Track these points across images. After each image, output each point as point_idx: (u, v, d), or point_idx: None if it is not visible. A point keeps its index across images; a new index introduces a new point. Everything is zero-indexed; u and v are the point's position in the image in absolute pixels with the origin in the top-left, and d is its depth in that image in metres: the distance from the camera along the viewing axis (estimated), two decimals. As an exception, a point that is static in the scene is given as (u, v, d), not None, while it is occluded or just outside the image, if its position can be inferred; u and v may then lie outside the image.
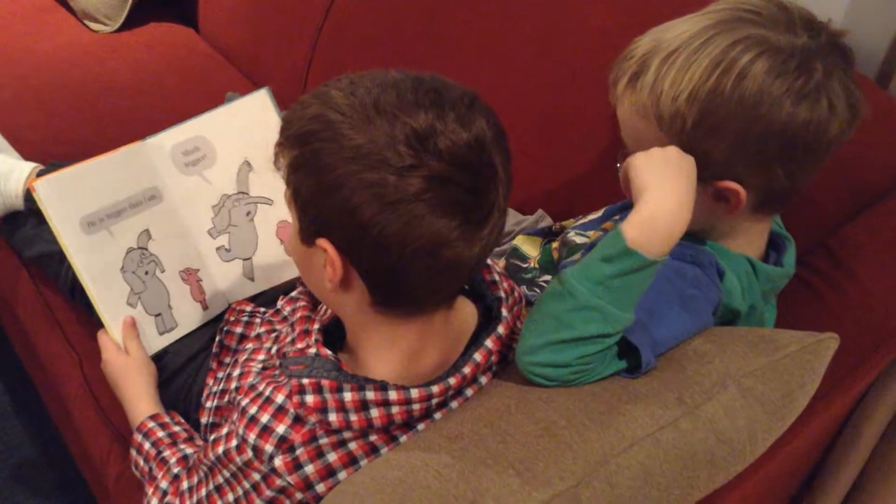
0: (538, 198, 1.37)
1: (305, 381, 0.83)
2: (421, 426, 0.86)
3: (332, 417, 0.82)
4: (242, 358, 1.02)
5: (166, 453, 1.03)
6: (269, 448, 0.82)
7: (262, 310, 1.18)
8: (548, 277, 1.14)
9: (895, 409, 1.20)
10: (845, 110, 0.86)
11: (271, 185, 1.22)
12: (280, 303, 1.11)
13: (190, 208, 1.23)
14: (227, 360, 1.11)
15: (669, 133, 0.88)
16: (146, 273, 1.18)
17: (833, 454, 1.25)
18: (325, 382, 0.82)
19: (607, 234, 0.84)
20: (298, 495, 0.83)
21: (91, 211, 1.15)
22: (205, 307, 1.21)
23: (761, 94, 0.83)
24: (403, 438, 0.85)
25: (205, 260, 1.23)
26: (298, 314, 0.95)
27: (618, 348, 0.85)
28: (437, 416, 0.87)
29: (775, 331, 0.91)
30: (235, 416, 0.87)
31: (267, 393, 0.85)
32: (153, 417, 1.08)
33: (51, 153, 1.52)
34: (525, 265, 1.19)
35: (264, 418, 0.83)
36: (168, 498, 0.97)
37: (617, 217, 1.11)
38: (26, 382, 1.60)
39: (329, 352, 0.87)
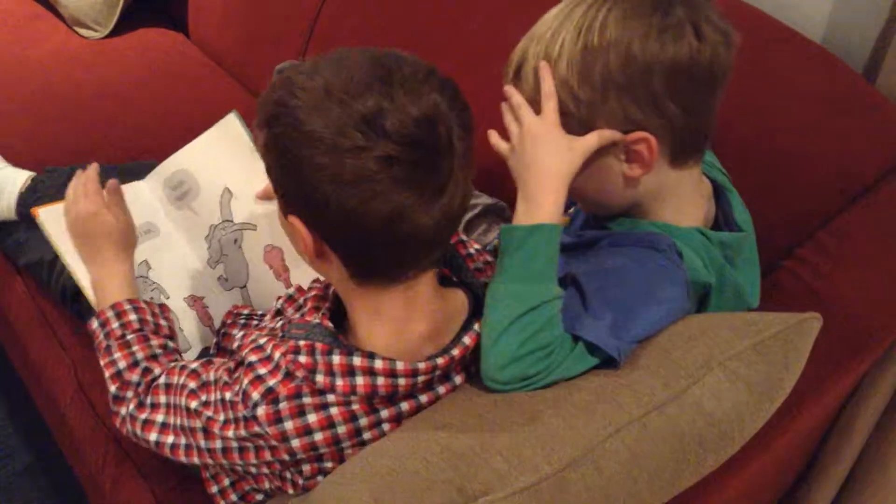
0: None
1: (301, 342, 0.86)
2: (405, 405, 0.88)
3: (319, 378, 0.85)
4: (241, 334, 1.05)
5: (149, 334, 1.07)
6: (255, 395, 0.85)
7: (260, 312, 1.18)
8: None
9: (888, 401, 1.20)
10: (714, 36, 0.88)
11: (253, 209, 1.23)
12: (279, 303, 1.12)
13: (188, 241, 1.25)
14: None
15: (561, 106, 0.91)
16: (151, 299, 1.19)
17: (827, 445, 1.25)
18: (318, 345, 0.86)
19: None
20: (273, 442, 0.86)
21: None
22: (213, 331, 1.22)
23: (626, 36, 0.87)
24: (385, 413, 0.87)
25: (209, 289, 1.24)
26: (312, 293, 0.98)
27: (586, 346, 0.86)
28: (423, 398, 0.89)
29: (759, 314, 0.91)
30: (242, 367, 0.91)
31: (268, 350, 0.89)
32: (130, 302, 1.10)
33: (43, 161, 1.51)
34: None
35: (262, 370, 0.87)
36: (126, 374, 1.03)
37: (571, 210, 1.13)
38: (20, 388, 1.60)
39: (331, 324, 0.89)
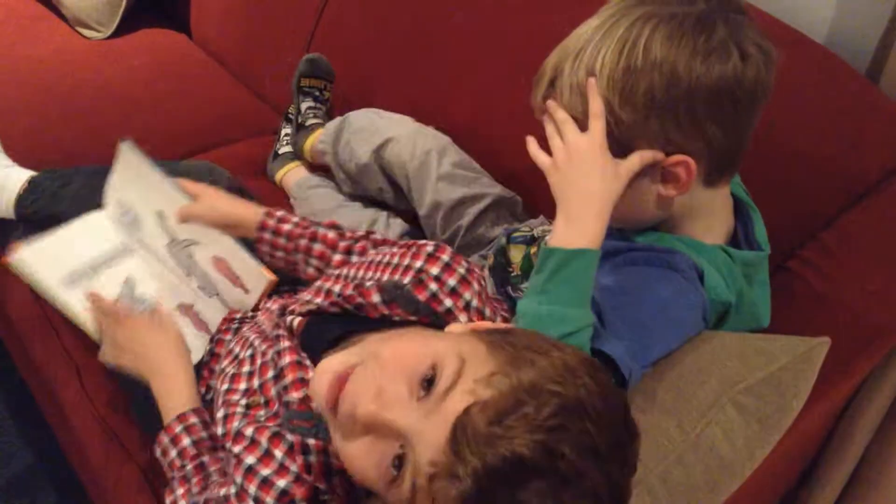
0: (536, 197, 1.38)
1: (311, 441, 0.84)
2: None
3: (335, 481, 0.83)
4: (223, 387, 0.98)
5: (206, 458, 0.99)
6: (269, 500, 0.82)
7: (251, 315, 1.18)
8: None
9: (890, 402, 1.20)
10: (758, 56, 0.88)
11: (187, 226, 1.21)
12: (259, 314, 1.11)
13: (158, 259, 1.26)
14: (217, 367, 1.10)
15: None
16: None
17: (829, 448, 1.25)
18: (332, 448, 0.83)
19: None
20: None
21: (67, 272, 1.19)
22: (210, 337, 1.21)
23: (671, 58, 0.85)
24: None
25: (195, 297, 1.25)
26: (287, 359, 0.92)
27: (601, 361, 0.85)
28: None
29: (767, 340, 0.91)
30: (232, 459, 0.87)
31: (263, 443, 0.85)
32: (196, 412, 1.02)
33: (44, 160, 1.51)
34: (510, 269, 1.20)
35: (265, 472, 0.83)
36: None
37: None
38: (23, 389, 1.60)
39: None
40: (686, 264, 0.92)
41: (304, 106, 1.64)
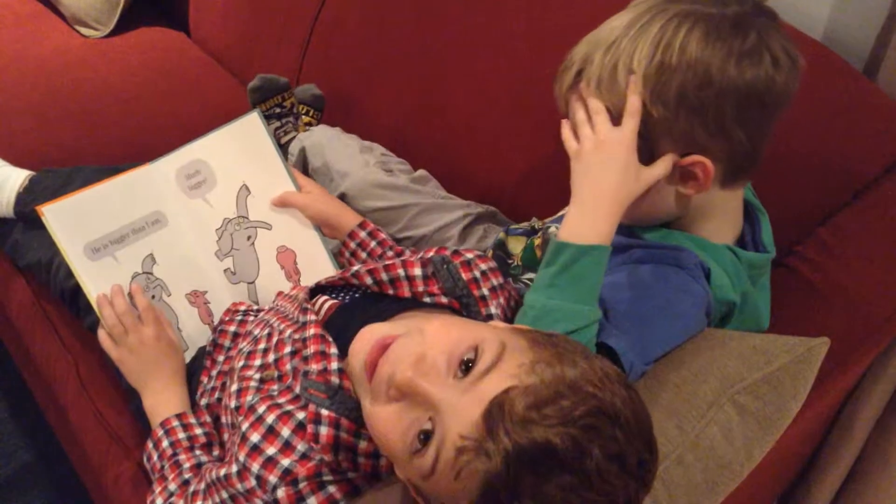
0: (534, 196, 1.38)
1: (325, 412, 0.83)
2: None
3: (341, 456, 0.83)
4: (239, 364, 0.99)
5: (182, 457, 1.02)
6: (272, 479, 0.82)
7: (256, 308, 1.18)
8: (531, 275, 1.14)
9: (888, 398, 1.20)
10: (787, 62, 0.88)
11: (269, 210, 1.23)
12: (276, 300, 1.12)
13: (196, 231, 1.23)
14: (221, 357, 1.11)
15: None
16: (153, 297, 1.18)
17: (827, 444, 1.25)
18: (344, 422, 0.83)
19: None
20: None
21: (95, 237, 1.16)
22: (212, 329, 1.20)
23: (706, 58, 0.85)
24: None
25: (213, 281, 1.23)
26: (312, 331, 0.92)
27: (605, 355, 0.86)
28: None
29: (767, 340, 0.91)
30: (236, 438, 0.87)
31: (269, 421, 0.85)
32: (179, 416, 1.06)
33: (43, 159, 1.52)
34: (510, 261, 1.20)
35: (270, 451, 0.83)
36: (173, 499, 0.97)
37: None
38: (22, 387, 1.60)
39: (352, 388, 0.86)
40: (692, 262, 0.93)
41: (272, 128, 1.66)
